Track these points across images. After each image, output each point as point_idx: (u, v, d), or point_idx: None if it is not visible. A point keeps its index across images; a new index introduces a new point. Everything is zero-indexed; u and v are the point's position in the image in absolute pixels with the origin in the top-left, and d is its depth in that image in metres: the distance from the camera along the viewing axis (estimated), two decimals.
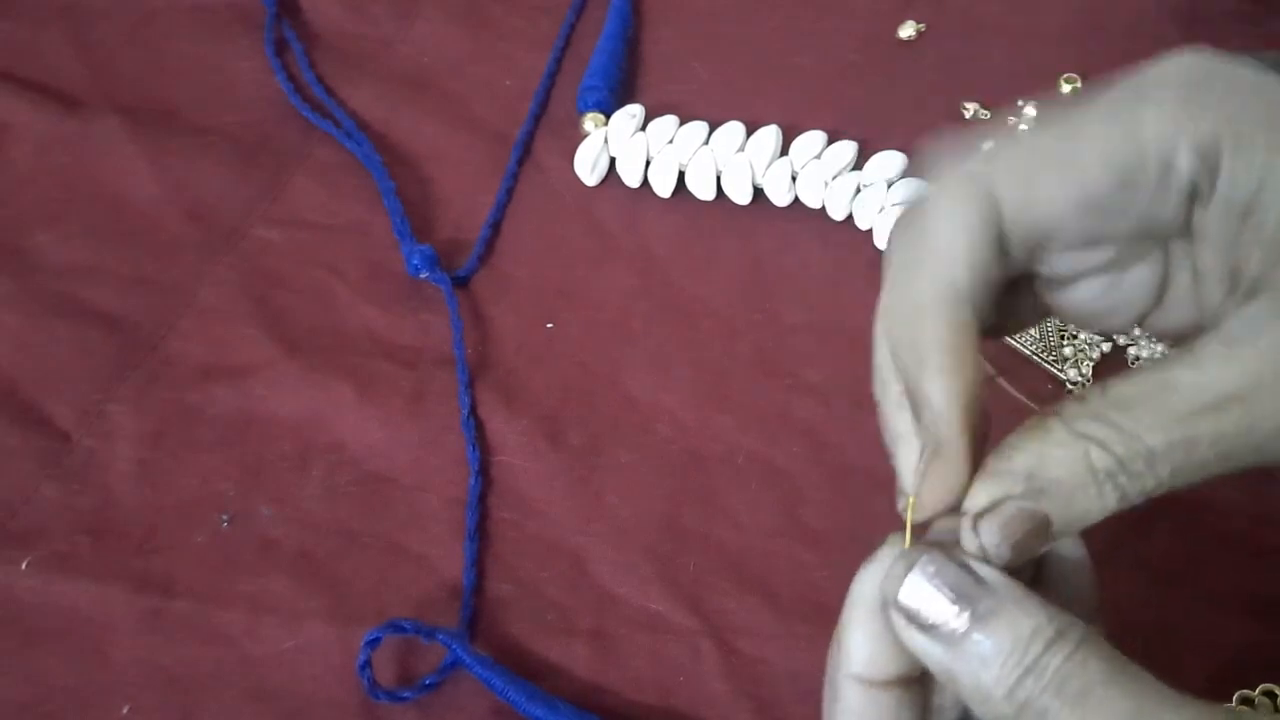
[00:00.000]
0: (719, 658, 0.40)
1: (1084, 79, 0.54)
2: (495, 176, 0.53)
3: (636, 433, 0.45)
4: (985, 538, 0.25)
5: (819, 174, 0.50)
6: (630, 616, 0.40)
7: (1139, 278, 0.28)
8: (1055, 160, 0.26)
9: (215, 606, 0.40)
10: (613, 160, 0.52)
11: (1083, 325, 0.32)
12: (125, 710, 0.38)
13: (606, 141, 0.52)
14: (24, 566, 0.41)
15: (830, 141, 0.51)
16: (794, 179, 0.51)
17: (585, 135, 0.53)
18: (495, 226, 0.51)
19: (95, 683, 0.39)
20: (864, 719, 0.27)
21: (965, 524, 0.25)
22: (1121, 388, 0.25)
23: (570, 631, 0.40)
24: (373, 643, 0.38)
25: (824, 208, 0.50)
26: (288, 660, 0.39)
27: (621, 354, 0.47)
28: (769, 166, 0.51)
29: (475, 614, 0.40)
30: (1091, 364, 0.46)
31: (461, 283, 0.49)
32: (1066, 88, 0.54)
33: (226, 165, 0.53)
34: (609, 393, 0.46)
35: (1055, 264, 0.28)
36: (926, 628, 0.24)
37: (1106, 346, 0.46)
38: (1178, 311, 0.29)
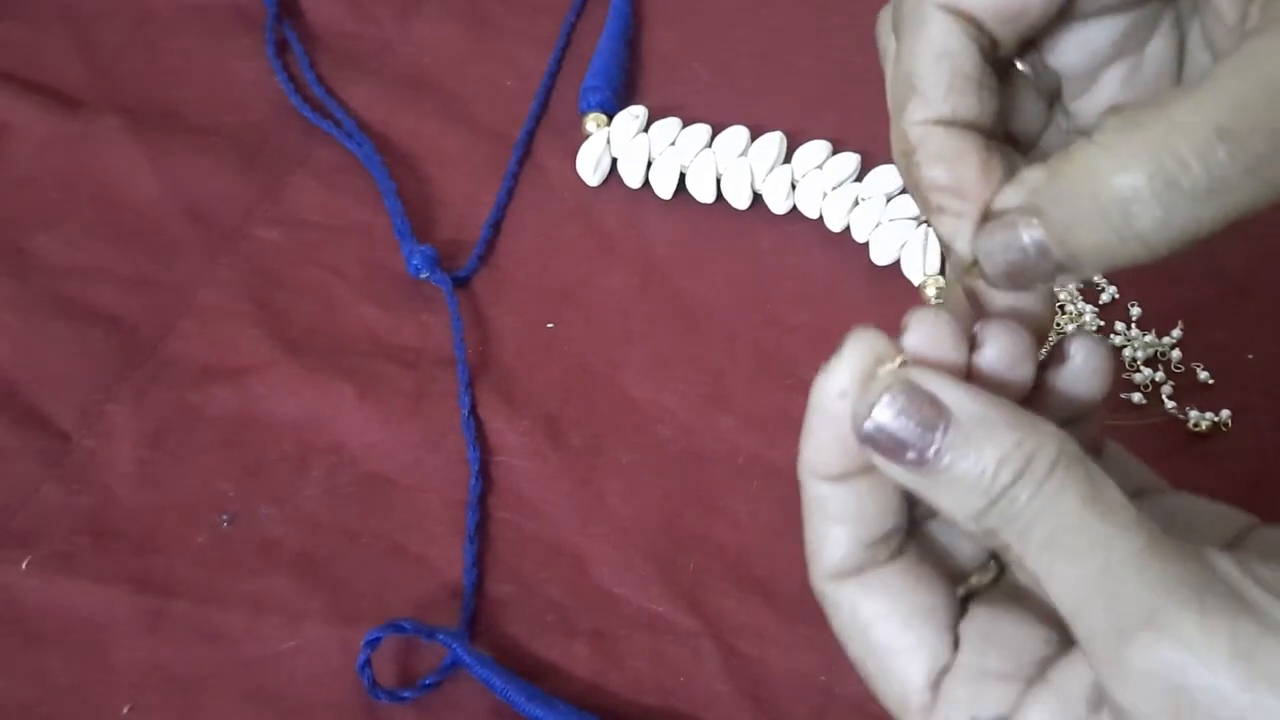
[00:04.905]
0: (719, 658, 0.40)
1: None
2: (496, 177, 0.53)
3: (636, 433, 0.45)
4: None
5: (818, 184, 0.50)
6: (630, 617, 0.40)
7: (1156, 54, 0.28)
8: None
9: (215, 607, 0.40)
10: (614, 161, 0.52)
11: None
12: (126, 710, 0.38)
13: (609, 142, 0.52)
14: (24, 567, 0.41)
15: (835, 150, 0.51)
16: (793, 187, 0.51)
17: (587, 136, 0.53)
18: (496, 227, 0.51)
19: (96, 683, 0.39)
20: (841, 517, 0.27)
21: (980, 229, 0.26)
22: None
23: (570, 632, 0.40)
24: (373, 642, 0.38)
25: (821, 218, 0.50)
26: (288, 660, 0.39)
27: (621, 354, 0.47)
28: (769, 173, 0.51)
29: (475, 614, 0.40)
30: None
31: (462, 283, 0.49)
32: None
33: (227, 165, 0.53)
34: (609, 393, 0.46)
35: (1066, 57, 0.28)
36: (895, 455, 0.24)
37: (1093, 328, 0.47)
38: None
